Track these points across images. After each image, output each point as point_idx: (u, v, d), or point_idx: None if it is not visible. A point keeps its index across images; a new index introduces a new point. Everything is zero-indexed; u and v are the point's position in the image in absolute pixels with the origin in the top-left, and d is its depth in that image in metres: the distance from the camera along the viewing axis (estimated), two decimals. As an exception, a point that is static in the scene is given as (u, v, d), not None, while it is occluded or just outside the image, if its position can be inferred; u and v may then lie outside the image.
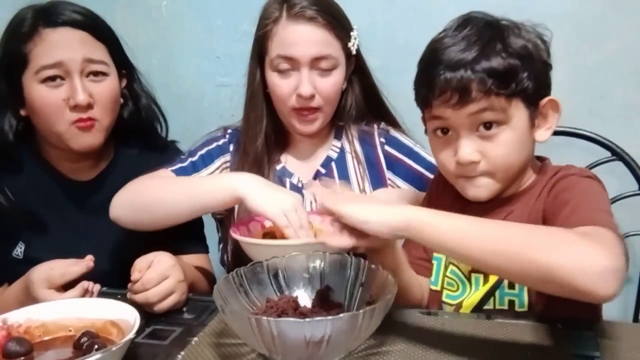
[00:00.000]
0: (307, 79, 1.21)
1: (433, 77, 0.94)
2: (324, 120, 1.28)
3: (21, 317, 0.90)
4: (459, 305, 1.04)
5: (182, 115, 1.83)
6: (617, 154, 1.39)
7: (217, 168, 1.32)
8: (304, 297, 0.95)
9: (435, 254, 1.10)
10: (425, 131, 1.06)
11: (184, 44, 1.84)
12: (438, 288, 1.10)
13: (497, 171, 0.97)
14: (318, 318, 0.77)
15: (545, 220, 0.96)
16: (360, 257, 0.95)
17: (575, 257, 0.71)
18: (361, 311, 0.77)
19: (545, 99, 0.97)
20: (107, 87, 1.22)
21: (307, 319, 0.76)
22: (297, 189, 1.32)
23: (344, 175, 1.32)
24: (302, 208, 1.09)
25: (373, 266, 0.92)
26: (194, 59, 1.84)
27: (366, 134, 1.35)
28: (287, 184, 1.32)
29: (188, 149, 1.35)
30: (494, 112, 0.93)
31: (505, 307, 1.00)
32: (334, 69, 1.24)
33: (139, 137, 1.35)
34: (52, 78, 1.16)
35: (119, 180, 1.31)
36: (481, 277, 1.02)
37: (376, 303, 0.80)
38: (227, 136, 1.36)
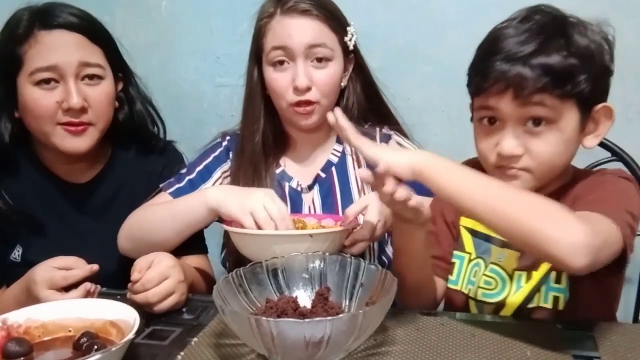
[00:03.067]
0: (303, 71, 1.21)
1: (489, 66, 0.93)
2: (322, 114, 1.25)
3: (21, 318, 0.90)
4: (501, 304, 1.03)
5: (182, 116, 1.84)
6: (617, 154, 1.39)
7: (217, 181, 1.32)
8: (304, 298, 0.95)
9: (456, 253, 1.10)
10: (471, 119, 1.04)
11: (184, 45, 1.84)
12: (459, 288, 1.09)
13: (538, 169, 0.96)
14: (318, 319, 0.78)
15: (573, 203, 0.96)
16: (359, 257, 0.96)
17: (556, 227, 0.79)
18: (361, 312, 0.77)
19: (600, 105, 0.95)
20: (103, 91, 1.21)
21: (307, 320, 0.76)
22: (297, 193, 1.32)
23: (345, 181, 1.32)
24: (275, 202, 1.08)
25: (373, 267, 0.92)
26: (194, 60, 1.84)
27: (368, 137, 1.33)
28: (287, 188, 1.31)
29: (187, 164, 1.35)
30: (546, 110, 0.92)
31: (550, 305, 0.98)
32: (331, 60, 1.23)
33: (136, 139, 1.34)
34: (47, 81, 1.16)
35: (116, 183, 1.31)
36: (524, 275, 1.01)
37: (376, 304, 0.80)
38: (226, 143, 1.35)
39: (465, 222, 1.11)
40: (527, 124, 0.94)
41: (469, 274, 1.08)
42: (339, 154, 1.34)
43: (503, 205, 0.83)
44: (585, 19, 0.97)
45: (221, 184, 1.32)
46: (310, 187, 1.32)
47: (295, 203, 1.31)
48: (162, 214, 1.21)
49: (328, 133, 1.35)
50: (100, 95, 1.20)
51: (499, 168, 0.98)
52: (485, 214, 0.85)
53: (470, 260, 1.08)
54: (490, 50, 0.96)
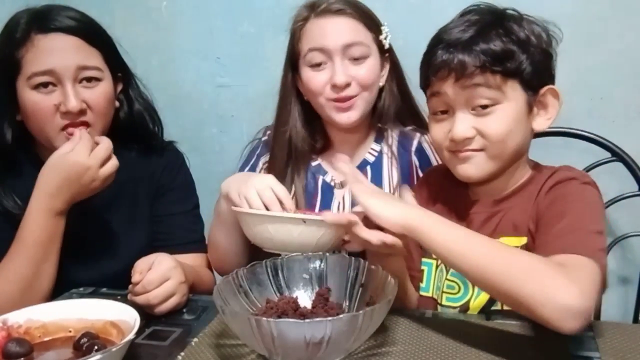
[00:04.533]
0: (341, 69, 1.20)
1: (432, 56, 0.98)
2: (363, 110, 1.25)
3: (21, 318, 0.90)
4: (464, 308, 1.03)
5: (182, 116, 1.84)
6: (617, 155, 1.39)
7: (261, 171, 1.34)
8: (304, 298, 0.96)
9: (424, 260, 1.11)
10: (429, 116, 1.06)
11: (184, 45, 1.83)
12: (429, 294, 1.09)
13: (491, 148, 0.97)
14: (318, 319, 0.78)
15: (537, 222, 0.96)
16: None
17: (546, 293, 0.78)
18: (361, 312, 0.77)
19: (545, 88, 0.98)
20: (101, 93, 1.20)
21: (307, 320, 0.76)
22: (329, 187, 1.32)
23: (378, 181, 1.30)
24: (271, 187, 1.08)
25: (373, 267, 0.92)
26: (194, 60, 1.84)
27: (406, 138, 1.33)
28: (320, 181, 1.32)
29: (238, 166, 1.37)
30: (490, 90, 0.95)
31: None
32: (367, 57, 1.24)
33: (136, 139, 1.34)
34: (45, 84, 1.15)
35: (118, 183, 1.30)
36: None
37: (376, 304, 0.80)
38: (266, 137, 1.38)
39: None
40: (475, 108, 0.96)
41: (436, 279, 1.08)
42: (376, 154, 1.33)
43: (493, 267, 0.82)
44: (531, 15, 1.01)
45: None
46: (343, 184, 1.31)
47: (326, 197, 1.31)
48: (214, 229, 1.26)
49: (366, 134, 1.35)
50: (99, 97, 1.19)
51: (452, 152, 1.01)
52: (475, 276, 0.85)
53: (437, 266, 1.09)
54: (433, 43, 1.01)
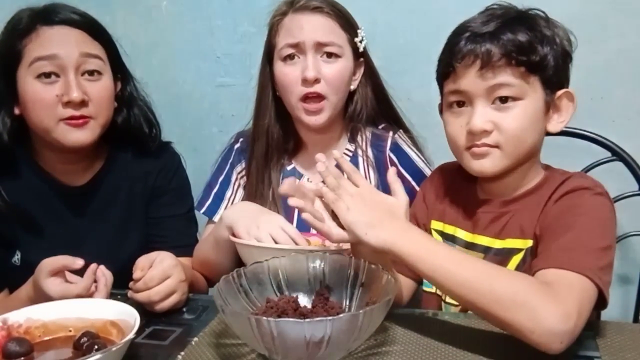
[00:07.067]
0: (312, 63, 1.23)
1: (456, 44, 0.97)
2: (331, 112, 1.27)
3: (21, 317, 0.90)
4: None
5: (182, 116, 1.84)
6: (617, 154, 1.39)
7: (235, 182, 1.37)
8: (304, 297, 0.96)
9: None
10: (440, 112, 1.06)
11: (184, 44, 1.84)
12: (433, 290, 1.09)
13: (506, 144, 0.96)
14: (318, 318, 0.78)
15: (543, 229, 0.96)
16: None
17: (534, 320, 0.79)
18: (361, 311, 0.77)
19: (562, 90, 0.98)
20: (103, 86, 1.20)
21: (307, 319, 0.76)
22: None
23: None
24: (281, 229, 1.09)
25: (373, 266, 0.92)
26: (194, 60, 1.84)
27: (379, 138, 1.35)
28: None
29: (210, 175, 1.39)
30: (512, 85, 0.94)
31: None
32: (340, 56, 1.26)
33: (132, 140, 1.33)
34: (47, 75, 1.15)
35: (113, 184, 1.30)
36: None
37: (376, 303, 0.80)
38: (239, 144, 1.39)
39: (435, 224, 1.12)
40: (495, 101, 0.96)
41: None
42: (350, 153, 1.35)
43: (479, 294, 0.83)
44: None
45: (239, 185, 1.37)
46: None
47: None
48: (207, 248, 1.28)
49: (339, 135, 1.36)
50: (101, 90, 1.20)
51: (468, 149, 0.99)
52: (462, 301, 0.88)
53: None
54: (456, 33, 1.00)
